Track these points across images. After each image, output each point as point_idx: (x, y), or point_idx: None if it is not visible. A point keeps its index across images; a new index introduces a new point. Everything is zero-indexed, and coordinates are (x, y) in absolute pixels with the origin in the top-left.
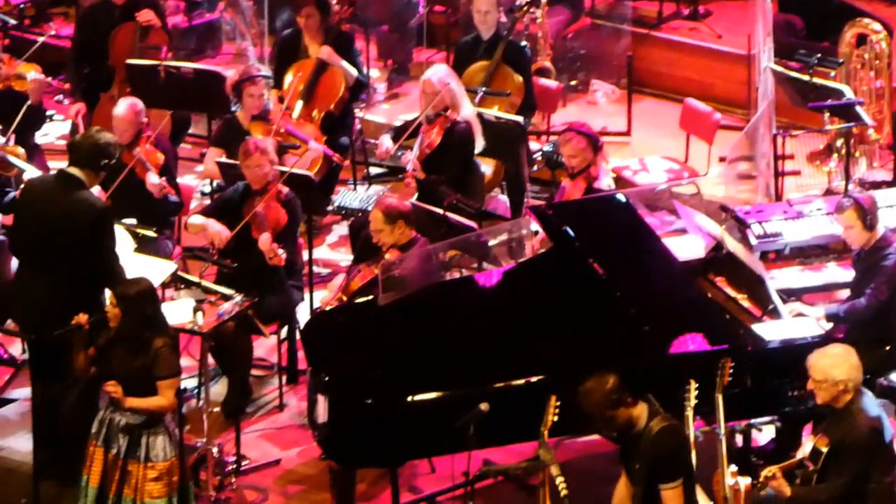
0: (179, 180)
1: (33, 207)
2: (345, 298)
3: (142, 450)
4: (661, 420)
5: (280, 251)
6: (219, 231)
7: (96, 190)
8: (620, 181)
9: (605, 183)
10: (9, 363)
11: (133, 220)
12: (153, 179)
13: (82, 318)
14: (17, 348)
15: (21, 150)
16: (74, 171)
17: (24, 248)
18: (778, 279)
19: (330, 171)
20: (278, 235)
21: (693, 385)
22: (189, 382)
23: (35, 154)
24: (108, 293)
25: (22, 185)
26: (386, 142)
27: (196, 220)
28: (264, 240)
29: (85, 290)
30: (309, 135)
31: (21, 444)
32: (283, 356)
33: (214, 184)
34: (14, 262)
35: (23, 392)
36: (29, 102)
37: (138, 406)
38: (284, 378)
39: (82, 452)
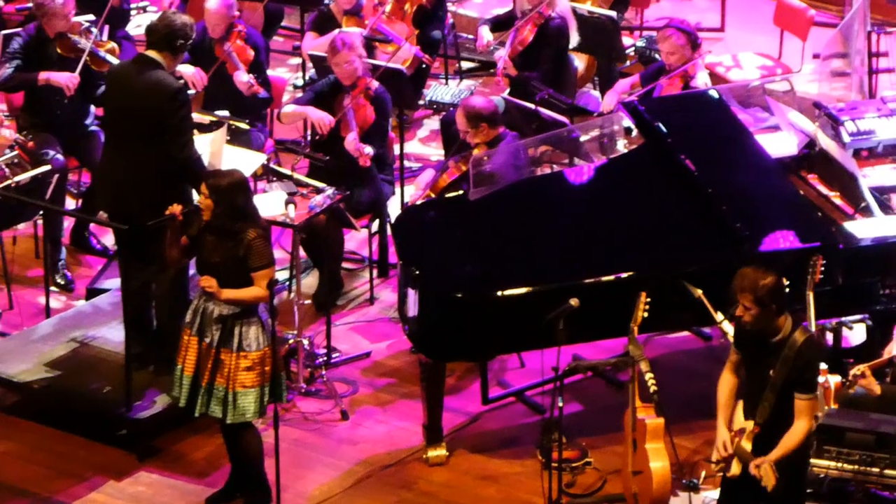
0: (271, 73)
1: (114, 92)
2: (433, 196)
3: (235, 339)
4: (804, 331)
5: (367, 150)
6: (321, 117)
7: (191, 71)
8: (713, 77)
9: (702, 80)
10: (101, 253)
11: (226, 112)
12: (242, 77)
13: (176, 208)
14: (109, 239)
15: (112, 45)
16: (152, 53)
17: (108, 134)
18: (870, 177)
19: (421, 66)
20: (366, 133)
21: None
22: (281, 275)
23: (126, 45)
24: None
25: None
26: (485, 34)
27: (292, 108)
28: (350, 140)
29: (166, 176)
30: (400, 33)
31: (114, 335)
32: (375, 250)
33: (307, 76)
34: None
35: (116, 282)
36: (111, 4)
37: (234, 297)
38: (375, 271)
39: (175, 341)
